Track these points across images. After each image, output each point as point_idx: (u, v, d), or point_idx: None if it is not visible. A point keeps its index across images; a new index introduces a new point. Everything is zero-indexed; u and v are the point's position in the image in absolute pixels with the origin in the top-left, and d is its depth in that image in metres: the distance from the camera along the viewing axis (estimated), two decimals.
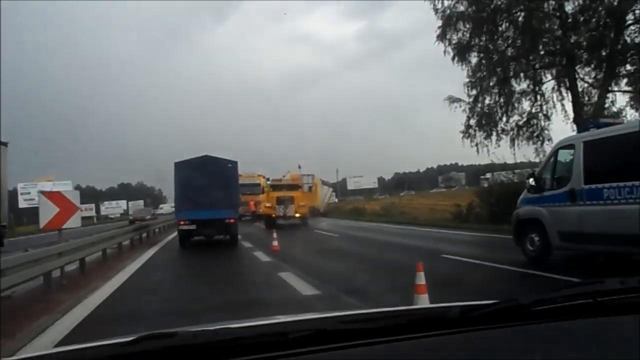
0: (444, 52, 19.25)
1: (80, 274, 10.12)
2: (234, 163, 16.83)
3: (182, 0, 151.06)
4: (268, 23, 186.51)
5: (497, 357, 1.12)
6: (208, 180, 15.34)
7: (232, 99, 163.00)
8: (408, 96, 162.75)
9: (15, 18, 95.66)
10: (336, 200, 56.95)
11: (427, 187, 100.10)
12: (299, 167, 37.26)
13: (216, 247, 15.27)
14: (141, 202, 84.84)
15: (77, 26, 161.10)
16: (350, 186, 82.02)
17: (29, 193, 51.38)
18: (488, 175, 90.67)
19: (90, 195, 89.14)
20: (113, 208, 79.68)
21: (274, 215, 24.59)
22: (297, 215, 24.80)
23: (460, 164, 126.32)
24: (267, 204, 25.62)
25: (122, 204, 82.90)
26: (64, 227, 10.50)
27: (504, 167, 20.18)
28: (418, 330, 1.19)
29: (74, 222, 10.50)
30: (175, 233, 17.73)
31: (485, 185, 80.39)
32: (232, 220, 15.71)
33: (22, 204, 50.43)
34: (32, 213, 55.03)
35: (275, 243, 13.50)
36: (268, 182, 38.88)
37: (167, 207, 51.31)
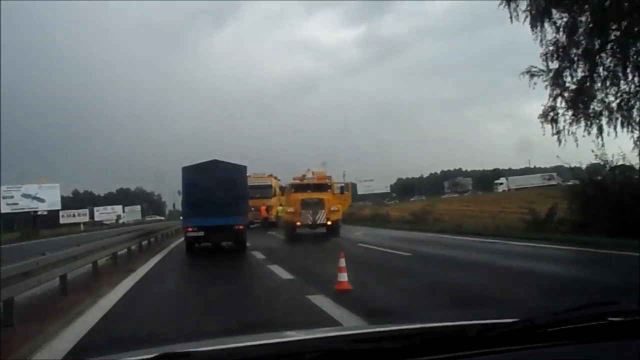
0: (510, 18, 15.20)
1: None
2: (243, 168, 16.44)
3: (182, 1, 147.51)
4: (267, 28, 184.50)
5: None
6: (216, 186, 14.63)
7: (231, 103, 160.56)
8: (410, 101, 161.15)
9: (13, 22, 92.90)
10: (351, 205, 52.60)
11: (432, 193, 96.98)
12: (324, 164, 32.19)
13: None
14: (138, 207, 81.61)
15: (77, 30, 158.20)
16: (361, 191, 78.10)
17: (12, 197, 46.82)
18: (502, 179, 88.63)
19: (87, 200, 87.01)
20: (108, 213, 75.66)
21: (298, 223, 19.82)
22: (329, 223, 19.77)
23: (464, 169, 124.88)
24: (290, 209, 20.76)
25: (118, 209, 79.23)
26: None
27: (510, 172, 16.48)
28: (434, 350, 1.17)
29: None
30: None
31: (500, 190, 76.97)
32: (241, 227, 15.15)
33: (5, 208, 45.84)
34: (20, 218, 52.57)
35: (343, 275, 7.80)
36: (279, 182, 34.76)
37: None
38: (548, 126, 15.54)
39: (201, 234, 15.07)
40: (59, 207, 54.64)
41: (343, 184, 23.44)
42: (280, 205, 32.80)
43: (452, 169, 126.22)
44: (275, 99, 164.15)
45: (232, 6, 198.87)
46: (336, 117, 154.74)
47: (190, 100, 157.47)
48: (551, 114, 15.55)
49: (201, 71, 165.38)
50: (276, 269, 10.43)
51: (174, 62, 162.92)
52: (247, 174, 25.96)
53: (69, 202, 79.07)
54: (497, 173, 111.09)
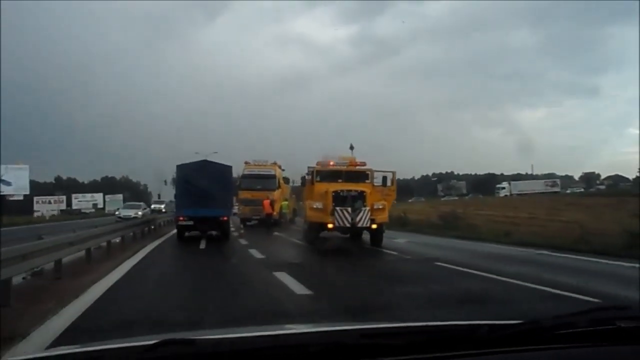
0: None
1: None
2: (229, 167, 19.15)
3: None
4: (260, 23, 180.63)
5: None
6: (205, 182, 16.64)
7: (221, 96, 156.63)
8: (402, 103, 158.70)
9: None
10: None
11: (425, 195, 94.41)
12: (351, 147, 26.89)
13: None
14: (119, 196, 77.16)
15: (64, 17, 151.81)
16: None
17: None
18: (504, 184, 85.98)
19: (71, 187, 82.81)
20: (87, 201, 71.00)
21: (330, 226, 14.42)
22: (374, 226, 14.45)
23: (456, 173, 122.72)
24: (315, 204, 15.14)
25: (98, 197, 74.61)
26: None
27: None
28: (441, 348, 1.15)
29: None
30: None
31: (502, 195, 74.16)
32: (225, 218, 17.68)
33: None
34: None
35: None
36: (283, 173, 30.16)
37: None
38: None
39: (190, 223, 17.43)
40: (27, 192, 49.88)
41: (386, 173, 17.20)
42: (285, 200, 28.62)
43: (444, 171, 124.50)
44: (266, 95, 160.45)
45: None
46: (329, 116, 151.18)
47: (180, 91, 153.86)
48: None
49: (191, 63, 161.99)
50: None
51: (163, 54, 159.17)
52: (247, 161, 26.24)
53: (50, 188, 74.72)
54: (491, 177, 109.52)
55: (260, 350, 1.10)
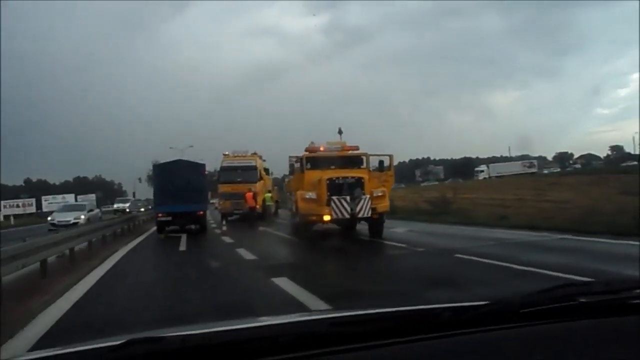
0: None
1: None
2: (202, 165, 20.49)
3: None
4: (229, 14, 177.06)
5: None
6: (181, 180, 18.01)
7: (195, 90, 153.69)
8: (376, 90, 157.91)
9: None
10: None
11: (404, 181, 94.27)
12: (340, 132, 25.65)
13: None
14: (92, 196, 74.72)
15: (32, 13, 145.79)
16: None
17: None
18: (482, 167, 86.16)
19: (41, 189, 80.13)
20: (58, 203, 68.08)
21: (326, 218, 12.83)
22: (375, 216, 13.04)
23: (432, 158, 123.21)
24: (308, 195, 13.39)
25: (70, 198, 71.83)
26: None
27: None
28: (409, 333, 1.17)
29: None
30: None
31: (481, 178, 74.39)
32: (201, 213, 18.89)
33: None
34: None
35: None
36: (265, 164, 28.42)
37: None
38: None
39: (169, 218, 18.45)
40: None
41: (382, 157, 15.38)
42: (269, 192, 27.15)
43: (420, 157, 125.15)
44: (240, 87, 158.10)
45: None
46: (305, 105, 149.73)
47: (152, 86, 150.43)
48: None
49: (161, 57, 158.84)
50: None
51: (133, 47, 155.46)
52: (225, 153, 26.29)
53: (19, 191, 72.28)
54: (468, 161, 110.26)
55: (229, 344, 1.10)
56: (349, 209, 12.65)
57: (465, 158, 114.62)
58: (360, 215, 12.86)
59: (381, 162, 15.24)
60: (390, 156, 15.41)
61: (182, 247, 14.16)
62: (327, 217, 12.88)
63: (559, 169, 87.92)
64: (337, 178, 13.27)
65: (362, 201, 12.76)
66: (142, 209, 37.35)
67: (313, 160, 14.97)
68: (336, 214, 12.72)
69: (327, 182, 13.12)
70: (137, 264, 11.54)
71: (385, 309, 1.35)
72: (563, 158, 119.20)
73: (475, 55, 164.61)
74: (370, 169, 15.09)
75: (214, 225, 22.84)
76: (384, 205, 13.65)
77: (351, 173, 13.70)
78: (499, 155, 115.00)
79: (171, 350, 1.04)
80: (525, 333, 1.20)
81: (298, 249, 12.82)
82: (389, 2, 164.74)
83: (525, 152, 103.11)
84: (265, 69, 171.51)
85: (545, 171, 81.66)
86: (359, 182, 13.16)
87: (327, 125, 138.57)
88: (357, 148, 15.72)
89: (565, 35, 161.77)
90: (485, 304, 1.28)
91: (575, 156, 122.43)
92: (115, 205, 54.42)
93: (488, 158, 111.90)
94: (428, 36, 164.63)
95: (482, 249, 9.85)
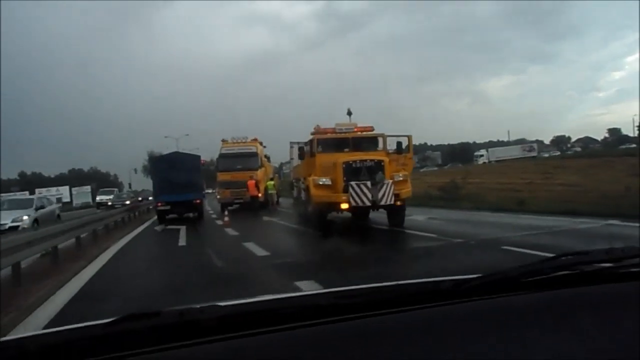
0: None
1: None
2: (198, 157, 22.20)
3: None
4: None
5: (488, 327, 1.10)
6: (178, 171, 19.25)
7: (189, 78, 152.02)
8: (372, 75, 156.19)
9: None
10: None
11: None
12: (349, 113, 24.47)
13: None
14: (87, 187, 73.85)
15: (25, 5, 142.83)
16: None
17: None
18: (482, 151, 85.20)
19: (36, 181, 79.18)
20: (52, 196, 66.76)
21: (344, 206, 11.59)
22: (398, 202, 11.76)
23: (429, 144, 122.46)
24: (322, 181, 12.08)
25: (64, 190, 70.78)
26: None
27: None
28: (409, 303, 1.17)
29: None
30: None
31: (480, 162, 73.64)
32: (198, 201, 20.20)
33: None
34: None
35: None
36: (265, 150, 26.94)
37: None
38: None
39: (168, 207, 19.58)
40: None
41: (400, 138, 14.07)
42: (271, 179, 25.89)
43: (417, 143, 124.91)
44: (236, 74, 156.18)
45: None
46: (300, 91, 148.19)
47: (146, 76, 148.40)
48: None
49: (155, 46, 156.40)
50: None
51: (127, 38, 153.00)
52: (224, 139, 26.13)
53: (14, 184, 71.35)
54: (465, 146, 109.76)
55: (228, 317, 1.06)
56: (370, 195, 11.39)
57: (462, 143, 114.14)
58: (382, 203, 11.59)
59: (399, 144, 13.97)
60: (409, 137, 14.24)
61: (182, 241, 12.64)
62: (344, 205, 11.63)
63: (558, 153, 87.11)
64: (355, 161, 12.00)
65: (385, 187, 11.51)
66: (128, 202, 32.90)
67: (325, 142, 13.63)
68: (355, 201, 11.45)
69: (344, 166, 11.88)
70: (136, 257, 10.20)
71: (385, 283, 1.33)
72: (560, 141, 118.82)
73: (470, 41, 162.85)
74: (388, 152, 13.72)
75: (214, 216, 21.58)
76: (407, 191, 12.46)
77: (369, 156, 12.44)
78: (495, 140, 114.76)
79: (169, 325, 1.01)
80: (524, 300, 1.19)
81: (315, 242, 11.21)
82: None
83: (521, 137, 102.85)
84: (260, 56, 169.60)
85: (546, 155, 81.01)
86: (379, 166, 11.92)
87: (322, 111, 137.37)
88: (371, 129, 14.40)
89: (560, 20, 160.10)
90: (485, 275, 1.25)
91: (573, 139, 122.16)
92: (98, 198, 49.31)
93: (485, 143, 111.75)
94: (423, 21, 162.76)
95: (529, 239, 8.58)
